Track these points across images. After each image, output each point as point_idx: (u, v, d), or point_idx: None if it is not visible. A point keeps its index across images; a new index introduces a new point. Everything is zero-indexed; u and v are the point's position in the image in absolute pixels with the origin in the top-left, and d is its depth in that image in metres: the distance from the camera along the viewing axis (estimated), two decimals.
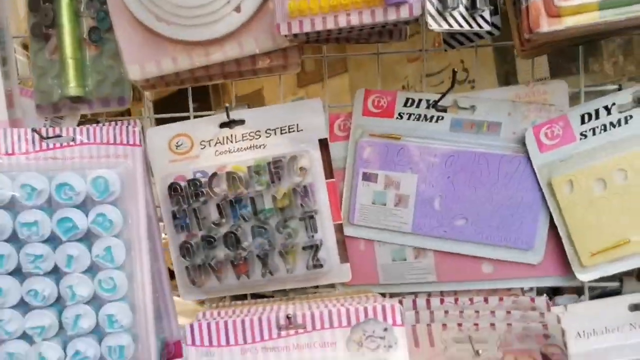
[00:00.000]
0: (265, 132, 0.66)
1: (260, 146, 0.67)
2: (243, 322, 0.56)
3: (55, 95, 0.68)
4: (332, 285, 0.71)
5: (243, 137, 0.67)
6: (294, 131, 0.66)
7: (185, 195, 0.66)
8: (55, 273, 0.61)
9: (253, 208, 0.65)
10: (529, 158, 0.64)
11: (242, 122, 0.67)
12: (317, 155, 0.66)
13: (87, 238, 0.62)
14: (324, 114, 0.67)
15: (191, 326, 0.56)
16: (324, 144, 0.66)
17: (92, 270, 0.62)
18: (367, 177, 0.68)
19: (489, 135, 0.66)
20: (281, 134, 0.66)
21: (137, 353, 0.64)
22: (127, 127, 0.65)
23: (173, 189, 0.66)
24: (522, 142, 0.64)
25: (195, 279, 0.68)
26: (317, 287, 0.70)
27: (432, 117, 0.67)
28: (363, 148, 0.68)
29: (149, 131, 0.67)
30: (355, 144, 0.68)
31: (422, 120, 0.67)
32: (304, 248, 0.66)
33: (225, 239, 0.66)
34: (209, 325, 0.56)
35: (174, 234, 0.68)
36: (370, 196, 0.68)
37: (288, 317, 0.55)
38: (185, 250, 0.67)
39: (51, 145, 0.63)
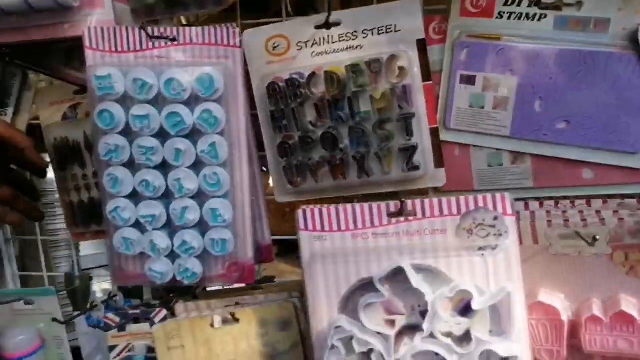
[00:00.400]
0: (362, 32, 0.66)
1: (357, 47, 0.66)
2: (354, 208, 0.58)
3: None
4: (426, 192, 0.71)
5: (340, 38, 0.66)
6: (391, 31, 0.65)
7: (283, 96, 0.67)
8: (163, 167, 0.64)
9: (350, 109, 0.66)
10: (639, 57, 0.61)
11: (338, 23, 0.66)
12: (414, 57, 0.65)
13: (192, 135, 0.64)
14: (421, 15, 0.65)
15: (303, 211, 0.58)
16: (421, 45, 0.65)
17: (196, 166, 0.64)
18: (464, 79, 0.67)
19: (596, 33, 0.63)
20: (378, 34, 0.65)
21: (237, 249, 0.67)
22: (227, 28, 0.66)
23: (272, 89, 0.67)
24: (633, 40, 0.61)
25: (292, 179, 0.70)
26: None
27: (534, 15, 0.64)
28: (461, 49, 0.66)
29: (246, 33, 0.68)
30: (452, 45, 0.67)
31: (523, 19, 0.65)
32: (400, 150, 0.66)
33: (322, 140, 0.67)
34: (320, 210, 0.58)
35: (272, 134, 0.70)
36: (467, 99, 0.67)
37: (401, 201, 0.56)
38: (283, 150, 0.69)
39: (156, 45, 0.65)
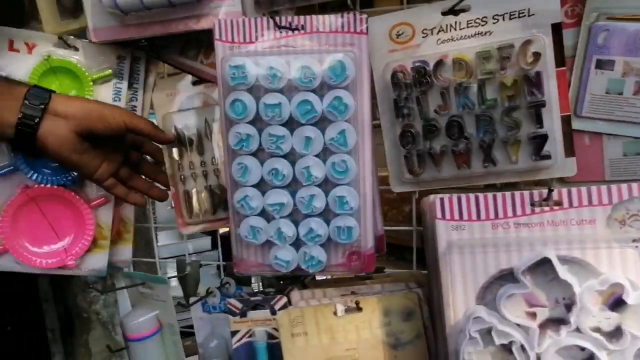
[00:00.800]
0: (493, 17, 0.64)
1: (486, 33, 0.65)
2: (495, 197, 0.56)
3: None
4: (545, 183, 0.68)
5: (468, 24, 0.65)
6: (524, 16, 0.63)
7: (408, 83, 0.66)
8: (290, 156, 0.65)
9: (479, 96, 0.64)
10: None
11: (466, 9, 0.65)
12: (549, 41, 0.63)
13: (319, 122, 0.64)
14: None
15: (441, 200, 0.57)
16: (556, 29, 0.63)
17: (323, 153, 0.65)
18: (601, 64, 0.64)
19: None
20: (510, 19, 0.63)
21: (360, 237, 0.67)
22: (354, 15, 0.65)
23: (397, 77, 0.67)
24: None
25: (413, 168, 0.69)
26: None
27: None
28: (598, 33, 0.64)
29: (370, 20, 0.68)
30: (588, 28, 0.64)
31: None
32: (529, 139, 0.64)
33: (447, 128, 0.66)
34: (459, 199, 0.57)
35: (392, 123, 0.69)
36: (603, 85, 0.64)
37: (549, 190, 0.54)
38: (405, 138, 0.68)
39: (283, 34, 0.66)
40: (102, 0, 0.66)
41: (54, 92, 0.67)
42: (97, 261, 0.79)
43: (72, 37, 0.74)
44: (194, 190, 0.81)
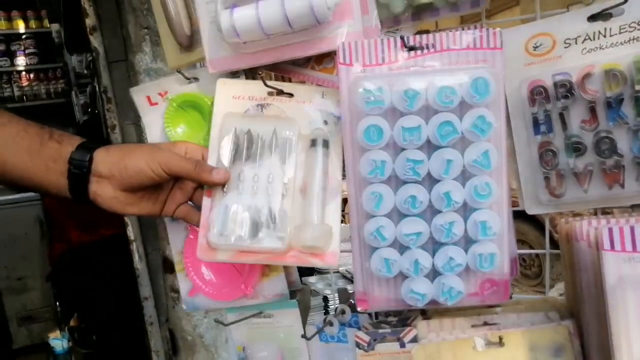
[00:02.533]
0: None
1: None
2: None
3: (398, 6, 0.66)
4: None
5: (620, 29, 0.59)
6: None
7: (550, 99, 0.61)
8: (424, 181, 0.61)
9: (637, 108, 0.58)
10: None
11: (618, 12, 0.59)
12: None
13: (456, 144, 0.60)
14: None
15: (609, 230, 0.51)
16: None
17: (461, 177, 0.60)
18: None
19: None
20: None
21: (499, 263, 0.62)
22: (486, 30, 0.61)
23: (536, 92, 0.62)
24: None
25: (556, 190, 0.63)
26: None
27: None
28: None
29: (503, 33, 0.63)
30: None
31: None
32: None
33: (597, 145, 0.60)
34: (632, 229, 0.51)
35: (528, 141, 0.64)
36: None
37: None
38: (546, 156, 0.62)
39: (412, 54, 0.62)
40: (222, 31, 0.65)
41: (96, 148, 0.66)
42: (276, 285, 0.75)
43: (188, 70, 0.74)
44: (234, 206, 0.65)
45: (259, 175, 0.67)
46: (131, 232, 1.20)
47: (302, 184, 0.67)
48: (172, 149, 0.68)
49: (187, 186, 0.70)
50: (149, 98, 0.75)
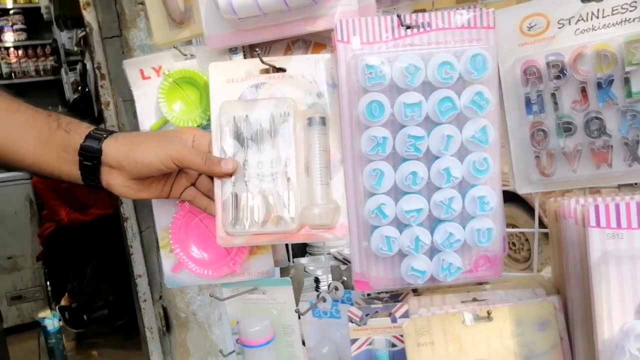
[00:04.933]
0: None
1: (634, 19, 0.59)
2: None
3: None
4: None
5: (613, 10, 0.60)
6: None
7: (542, 79, 0.62)
8: (423, 158, 0.61)
9: (627, 89, 0.59)
10: None
11: None
12: None
13: (454, 120, 0.61)
14: None
15: (595, 207, 0.53)
16: None
17: (459, 153, 0.61)
18: None
19: None
20: None
21: (496, 238, 0.63)
22: (479, 10, 0.61)
23: (529, 72, 0.63)
24: None
25: (546, 169, 0.65)
26: None
27: None
28: None
29: (498, 13, 0.63)
30: None
31: None
32: None
33: (587, 125, 0.61)
34: (617, 206, 0.52)
35: (520, 121, 0.65)
36: None
37: None
38: (537, 136, 0.64)
39: (408, 33, 0.62)
40: (219, 7, 0.65)
41: (104, 137, 0.66)
42: (263, 263, 0.76)
43: (184, 46, 0.74)
44: (244, 195, 0.67)
45: (262, 162, 0.67)
46: (125, 209, 1.20)
47: (306, 161, 0.67)
48: (180, 137, 0.69)
49: (191, 172, 0.71)
50: (142, 71, 0.75)
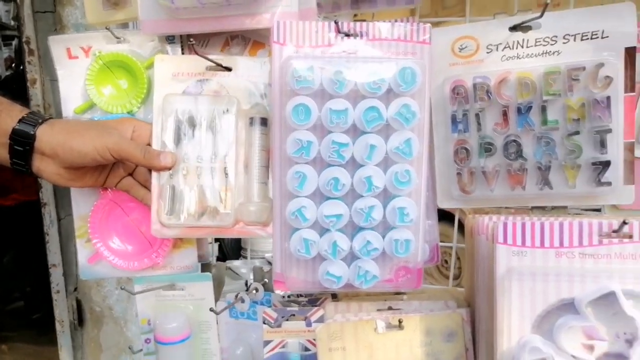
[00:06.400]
0: (563, 37, 0.62)
1: (554, 52, 0.63)
2: (561, 225, 0.54)
3: None
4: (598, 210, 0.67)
5: (536, 42, 0.63)
6: (597, 38, 0.61)
7: (468, 99, 0.64)
8: (347, 165, 0.62)
9: (543, 117, 0.63)
10: None
11: (536, 26, 0.63)
12: (621, 66, 0.61)
13: (381, 131, 0.61)
14: (635, 20, 0.61)
15: (504, 225, 0.55)
16: (630, 53, 0.61)
17: (383, 163, 0.62)
18: None
19: None
20: (582, 40, 0.62)
21: (414, 250, 0.64)
22: (417, 25, 0.63)
23: (457, 91, 0.65)
24: None
25: (466, 186, 0.67)
26: None
27: None
28: None
29: (433, 32, 0.66)
30: None
31: None
32: (592, 164, 0.62)
33: (505, 147, 0.64)
34: (523, 225, 0.55)
35: (445, 137, 0.67)
36: None
37: (624, 222, 0.52)
38: (460, 154, 0.66)
39: (343, 40, 0.63)
40: None
41: (39, 122, 0.63)
42: (186, 257, 0.75)
43: (119, 29, 0.72)
44: (181, 187, 0.68)
45: (202, 156, 0.69)
46: (44, 195, 1.14)
47: (246, 159, 0.69)
48: (119, 128, 0.67)
49: (129, 162, 0.69)
50: (69, 50, 0.71)
